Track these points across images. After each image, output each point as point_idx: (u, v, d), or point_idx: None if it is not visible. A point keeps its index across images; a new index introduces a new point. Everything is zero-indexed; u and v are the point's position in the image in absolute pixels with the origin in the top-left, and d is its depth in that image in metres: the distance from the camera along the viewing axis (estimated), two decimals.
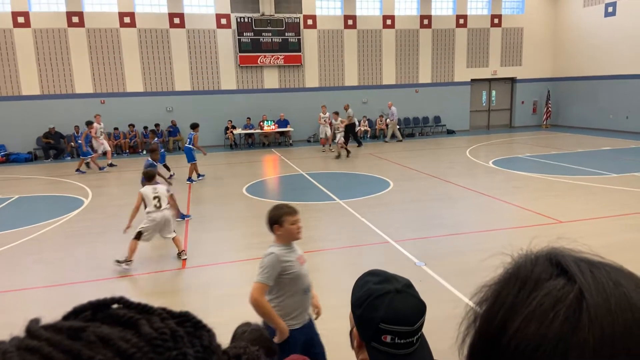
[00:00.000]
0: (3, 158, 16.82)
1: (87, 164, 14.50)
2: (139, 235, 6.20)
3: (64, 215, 9.12)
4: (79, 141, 14.92)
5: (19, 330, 0.41)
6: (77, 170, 13.92)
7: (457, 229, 7.48)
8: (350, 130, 16.53)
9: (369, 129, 20.91)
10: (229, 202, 9.97)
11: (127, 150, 18.40)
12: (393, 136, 19.81)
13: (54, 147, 17.63)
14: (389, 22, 21.38)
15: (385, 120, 20.23)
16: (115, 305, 0.46)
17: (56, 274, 6.26)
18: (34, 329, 0.40)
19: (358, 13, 21.00)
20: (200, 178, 12.46)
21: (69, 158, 17.60)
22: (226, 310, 4.99)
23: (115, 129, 18.27)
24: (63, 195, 11.07)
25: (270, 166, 15.40)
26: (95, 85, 18.44)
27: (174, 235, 6.49)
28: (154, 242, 6.79)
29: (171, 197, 6.63)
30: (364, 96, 21.37)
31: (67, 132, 17.70)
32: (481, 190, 10.06)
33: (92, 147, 14.74)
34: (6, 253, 7.12)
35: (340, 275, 5.81)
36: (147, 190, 6.34)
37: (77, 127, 16.87)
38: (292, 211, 3.07)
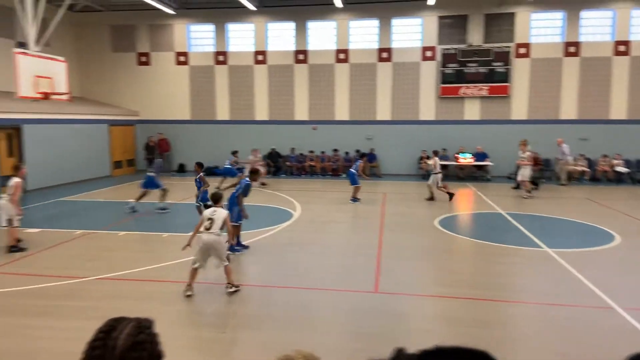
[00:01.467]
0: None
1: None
2: (194, 262, 6.25)
3: (277, 225, 10.39)
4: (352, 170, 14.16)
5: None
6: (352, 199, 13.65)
7: None
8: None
9: (587, 169, 18.20)
10: (420, 233, 9.88)
11: (330, 172, 20.03)
12: (570, 178, 17.38)
13: (275, 165, 20.39)
14: (622, 48, 18.47)
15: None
16: None
17: (267, 275, 7.14)
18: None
19: (582, 39, 18.74)
20: (355, 202, 13.27)
21: (284, 175, 20.08)
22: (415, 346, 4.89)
23: (322, 152, 20.20)
24: (277, 207, 12.65)
25: (465, 200, 14.74)
26: (310, 113, 20.76)
27: (224, 264, 6.22)
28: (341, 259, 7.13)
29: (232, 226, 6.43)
30: (584, 131, 18.79)
31: (285, 152, 20.36)
32: None
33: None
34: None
35: (539, 334, 5.12)
36: (207, 211, 6.47)
37: (293, 149, 19.20)
38: None
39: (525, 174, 14.23)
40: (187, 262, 7.81)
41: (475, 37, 19.33)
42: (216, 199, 6.64)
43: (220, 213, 6.30)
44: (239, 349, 4.99)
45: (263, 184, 16.44)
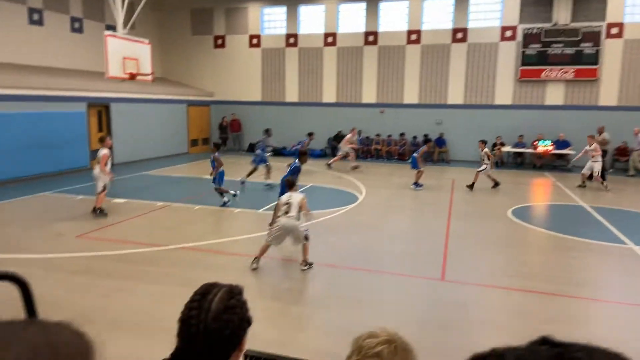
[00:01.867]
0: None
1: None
2: (269, 239, 6.44)
3: (343, 207, 10.48)
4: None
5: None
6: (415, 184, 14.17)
7: None
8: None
9: None
10: (492, 222, 9.50)
11: (396, 156, 19.73)
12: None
13: (337, 147, 20.43)
14: None
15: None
16: None
17: (334, 256, 7.26)
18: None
19: None
20: (418, 188, 12.76)
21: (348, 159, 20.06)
22: (482, 338, 4.77)
23: (389, 136, 19.92)
24: (343, 190, 12.74)
25: (542, 191, 13.92)
26: (378, 96, 20.49)
27: (304, 242, 6.37)
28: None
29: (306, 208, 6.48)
30: None
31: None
32: None
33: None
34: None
35: (619, 336, 4.77)
36: (283, 197, 6.54)
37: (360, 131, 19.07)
38: None
39: (595, 167, 12.86)
40: (255, 238, 8.14)
41: (562, 15, 17.90)
42: (291, 184, 6.75)
43: (295, 197, 6.46)
44: (306, 323, 5.16)
45: (355, 167, 16.50)
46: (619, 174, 16.49)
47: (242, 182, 12.86)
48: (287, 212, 6.36)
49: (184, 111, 21.06)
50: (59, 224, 8.74)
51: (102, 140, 9.49)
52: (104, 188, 9.26)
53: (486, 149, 13.02)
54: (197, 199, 11.21)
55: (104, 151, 9.19)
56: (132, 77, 11.54)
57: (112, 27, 16.50)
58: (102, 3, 18.21)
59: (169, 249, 7.38)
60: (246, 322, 1.41)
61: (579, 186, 13.26)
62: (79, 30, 17.66)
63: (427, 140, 14.98)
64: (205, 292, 1.39)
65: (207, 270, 6.53)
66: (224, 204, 10.18)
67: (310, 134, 17.22)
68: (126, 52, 11.39)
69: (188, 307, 1.37)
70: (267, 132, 14.29)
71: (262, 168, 12.99)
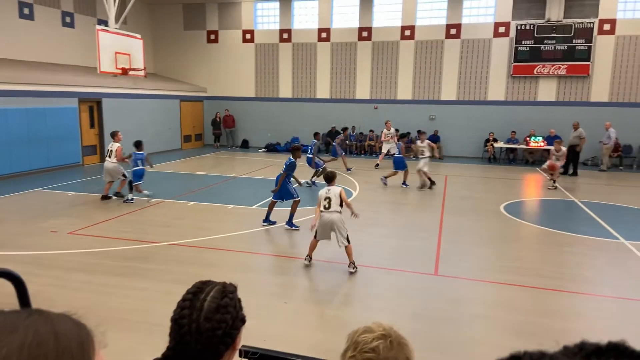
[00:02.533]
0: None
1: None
2: (315, 234, 6.45)
3: None
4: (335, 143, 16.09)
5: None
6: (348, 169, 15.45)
7: None
8: (574, 154, 14.78)
9: None
10: (484, 218, 9.57)
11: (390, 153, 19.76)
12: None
13: (331, 143, 20.43)
14: None
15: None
16: None
17: (327, 251, 7.27)
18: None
19: None
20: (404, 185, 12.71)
21: (344, 153, 20.09)
22: (475, 332, 4.82)
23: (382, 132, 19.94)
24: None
25: (534, 186, 14.03)
26: (372, 92, 20.49)
27: (345, 244, 6.29)
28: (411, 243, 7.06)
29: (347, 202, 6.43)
30: None
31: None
32: None
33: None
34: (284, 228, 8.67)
35: (612, 330, 4.84)
36: (322, 191, 6.48)
37: (353, 128, 19.08)
38: None
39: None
40: (248, 234, 8.14)
41: (554, 11, 17.98)
42: (329, 179, 6.68)
43: (334, 190, 6.41)
44: (300, 318, 5.17)
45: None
46: (611, 169, 16.67)
47: (313, 183, 12.67)
48: (328, 207, 6.32)
49: (177, 107, 20.93)
50: (52, 220, 8.68)
51: (113, 135, 10.36)
52: (124, 176, 10.20)
53: (427, 141, 12.74)
54: (191, 195, 11.17)
55: (117, 145, 10.12)
56: (124, 72, 11.45)
57: (104, 22, 16.34)
58: None
59: (162, 245, 7.36)
60: (240, 321, 1.39)
61: (551, 188, 12.84)
62: (71, 24, 17.47)
63: (403, 135, 14.99)
64: (197, 291, 1.37)
65: (200, 266, 6.52)
66: (128, 200, 10.17)
67: (344, 129, 17.19)
68: (118, 47, 11.29)
69: (180, 306, 1.35)
70: (316, 136, 13.86)
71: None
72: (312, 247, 6.51)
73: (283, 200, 8.54)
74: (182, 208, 9.95)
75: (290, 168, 8.45)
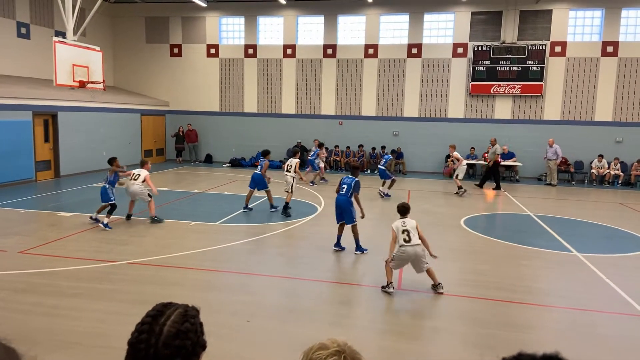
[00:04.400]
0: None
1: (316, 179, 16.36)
2: (391, 260, 6.34)
3: (302, 218, 10.46)
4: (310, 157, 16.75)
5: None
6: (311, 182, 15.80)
7: None
8: (494, 169, 15.97)
9: (621, 173, 17.59)
10: (445, 232, 9.77)
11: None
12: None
13: (301, 159, 20.42)
14: None
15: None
16: None
17: (289, 268, 7.21)
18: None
19: (622, 39, 18.06)
20: (386, 197, 13.64)
21: (308, 169, 20.15)
22: (434, 345, 4.87)
23: (347, 147, 20.16)
24: (302, 201, 12.72)
25: (492, 201, 14.48)
26: (337, 108, 20.73)
27: (426, 267, 6.26)
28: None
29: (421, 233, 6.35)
30: (619, 134, 18.19)
31: (310, 146, 20.34)
32: None
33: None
34: (258, 243, 8.56)
35: (565, 340, 5.01)
36: (397, 223, 6.41)
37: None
38: None
39: (459, 171, 14.82)
40: (210, 251, 7.96)
41: (509, 34, 18.88)
42: (403, 211, 6.54)
43: (410, 223, 6.31)
44: (262, 337, 5.07)
45: (323, 178, 16.70)
46: (563, 184, 17.46)
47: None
48: (408, 240, 6.17)
49: (138, 121, 20.44)
50: (1, 239, 8.21)
51: (143, 164, 10.32)
52: (151, 196, 10.04)
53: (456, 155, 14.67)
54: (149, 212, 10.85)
55: (146, 172, 10.07)
56: (82, 85, 11.10)
57: (61, 34, 15.84)
58: (51, 8, 17.49)
59: (119, 264, 7.09)
60: (200, 347, 1.32)
61: (457, 192, 14.46)
62: (26, 36, 16.85)
63: (392, 151, 16.06)
64: (157, 314, 1.30)
65: (160, 285, 6.31)
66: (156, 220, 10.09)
67: (321, 145, 17.14)
68: (76, 60, 10.95)
69: (138, 330, 1.28)
70: (320, 146, 16.36)
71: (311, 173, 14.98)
72: (390, 274, 6.24)
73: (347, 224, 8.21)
74: (141, 226, 9.65)
75: (357, 187, 8.26)
